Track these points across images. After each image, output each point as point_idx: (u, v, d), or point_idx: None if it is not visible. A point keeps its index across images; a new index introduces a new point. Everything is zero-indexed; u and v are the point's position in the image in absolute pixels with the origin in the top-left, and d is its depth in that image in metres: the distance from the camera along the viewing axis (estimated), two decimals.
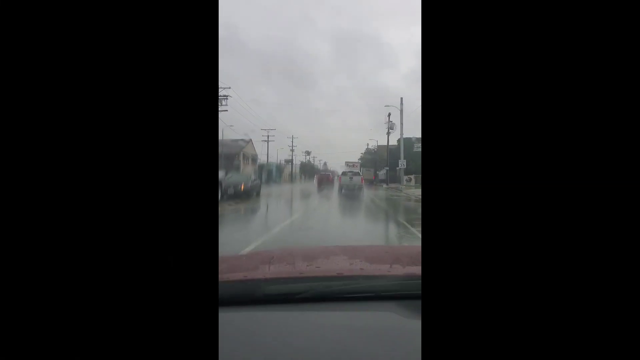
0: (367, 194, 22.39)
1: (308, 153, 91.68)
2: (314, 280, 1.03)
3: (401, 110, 31.64)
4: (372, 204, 15.26)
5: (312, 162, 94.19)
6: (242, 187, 16.58)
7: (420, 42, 0.59)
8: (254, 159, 55.05)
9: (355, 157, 69.05)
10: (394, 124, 37.90)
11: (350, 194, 21.44)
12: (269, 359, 0.70)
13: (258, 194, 19.37)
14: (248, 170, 45.43)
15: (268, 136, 56.81)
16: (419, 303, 0.63)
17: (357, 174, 27.78)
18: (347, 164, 43.83)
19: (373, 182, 41.73)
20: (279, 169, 67.31)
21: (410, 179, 32.45)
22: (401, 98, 32.64)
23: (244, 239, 6.25)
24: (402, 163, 30.27)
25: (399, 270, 1.25)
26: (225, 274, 1.04)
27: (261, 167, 56.62)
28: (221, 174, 14.14)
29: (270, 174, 59.36)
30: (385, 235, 7.60)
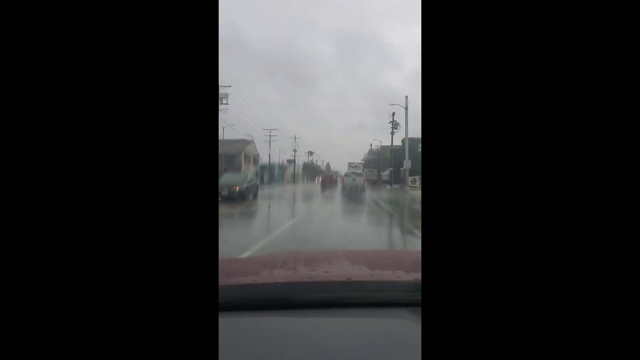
0: (370, 195, 21.53)
1: (311, 153, 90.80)
2: (324, 285, 1.02)
3: (406, 108, 30.56)
4: (377, 208, 14.14)
5: (315, 163, 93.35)
6: (237, 188, 15.40)
7: (420, 42, 0.60)
8: (256, 159, 54.09)
9: (358, 157, 68.44)
10: (398, 124, 36.94)
11: (353, 194, 21.20)
12: None
13: (255, 196, 18.23)
14: (249, 170, 44.54)
15: (270, 136, 55.84)
16: None
17: (359, 174, 28.01)
18: (350, 165, 43.38)
19: (376, 183, 41.20)
20: (281, 169, 66.49)
21: (414, 180, 31.42)
22: (406, 96, 31.82)
23: (227, 252, 5.14)
24: (406, 163, 29.21)
25: (410, 276, 1.18)
26: (234, 278, 1.06)
27: (263, 168, 55.81)
28: None
29: (272, 174, 58.50)
30: (392, 247, 6.85)
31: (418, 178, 32.52)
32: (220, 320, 0.61)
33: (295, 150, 70.39)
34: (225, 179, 16.33)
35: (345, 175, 28.56)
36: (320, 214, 12.13)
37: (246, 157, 48.85)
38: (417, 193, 21.43)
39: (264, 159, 56.82)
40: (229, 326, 0.69)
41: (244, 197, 15.89)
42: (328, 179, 37.77)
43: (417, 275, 0.98)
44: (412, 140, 32.60)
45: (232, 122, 56.43)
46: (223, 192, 14.31)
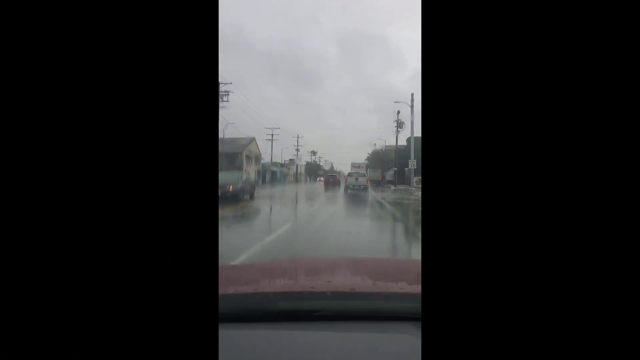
0: (374, 196, 20.22)
1: (314, 153, 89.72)
2: (326, 296, 0.98)
3: (412, 106, 29.27)
4: (382, 211, 12.82)
5: (318, 162, 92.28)
6: (231, 188, 14.09)
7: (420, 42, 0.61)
8: (257, 158, 52.95)
9: (362, 157, 67.46)
10: (403, 123, 35.82)
11: (356, 196, 20.85)
12: None
13: (252, 197, 16.93)
14: (251, 169, 43.45)
15: (272, 135, 54.66)
16: None
17: (362, 175, 29.12)
18: (353, 165, 43.25)
19: (380, 184, 40.32)
20: (284, 168, 65.48)
21: (420, 181, 30.07)
22: (412, 94, 30.69)
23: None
24: (412, 163, 27.96)
25: (414, 289, 1.14)
26: (234, 287, 1.03)
27: (264, 167, 54.78)
28: None
29: (274, 174, 57.49)
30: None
31: None
32: (219, 332, 0.61)
33: (297, 150, 69.27)
34: (218, 177, 15.05)
35: (348, 175, 29.51)
36: (318, 218, 10.78)
37: (247, 156, 47.76)
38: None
39: (266, 159, 55.73)
40: (227, 337, 0.67)
41: (237, 197, 14.59)
42: (331, 179, 38.31)
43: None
44: (417, 139, 31.51)
45: (234, 121, 55.40)
46: None
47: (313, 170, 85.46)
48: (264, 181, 50.90)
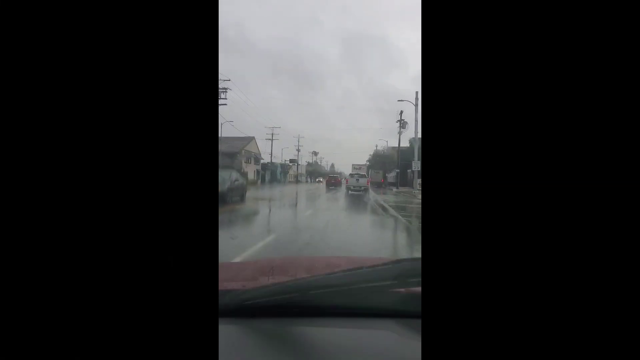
0: (375, 199, 18.65)
1: (315, 154, 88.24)
2: (307, 284, 0.93)
3: (416, 105, 27.75)
4: (388, 219, 11.23)
5: (319, 163, 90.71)
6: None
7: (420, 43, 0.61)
8: (257, 158, 51.40)
9: (363, 158, 65.94)
10: (406, 123, 34.34)
11: (357, 198, 20.37)
12: None
13: (242, 199, 15.44)
14: (250, 169, 41.92)
15: (272, 134, 53.10)
16: (419, 322, 0.62)
17: (363, 176, 29.65)
18: (354, 166, 42.54)
19: (381, 186, 38.94)
20: (284, 169, 63.92)
21: None
22: (416, 92, 29.17)
23: None
24: (415, 164, 26.43)
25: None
26: (230, 283, 1.04)
27: (264, 167, 53.24)
28: None
29: (274, 174, 55.97)
30: None
31: None
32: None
33: (298, 150, 67.73)
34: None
35: (350, 176, 30.33)
36: (312, 226, 9.17)
37: (246, 156, 46.20)
38: None
39: (266, 158, 54.19)
40: (223, 332, 0.67)
41: (225, 199, 13.07)
42: (332, 180, 38.72)
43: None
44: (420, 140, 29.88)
45: (234, 121, 53.87)
46: None
47: (314, 171, 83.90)
48: (263, 181, 49.45)
